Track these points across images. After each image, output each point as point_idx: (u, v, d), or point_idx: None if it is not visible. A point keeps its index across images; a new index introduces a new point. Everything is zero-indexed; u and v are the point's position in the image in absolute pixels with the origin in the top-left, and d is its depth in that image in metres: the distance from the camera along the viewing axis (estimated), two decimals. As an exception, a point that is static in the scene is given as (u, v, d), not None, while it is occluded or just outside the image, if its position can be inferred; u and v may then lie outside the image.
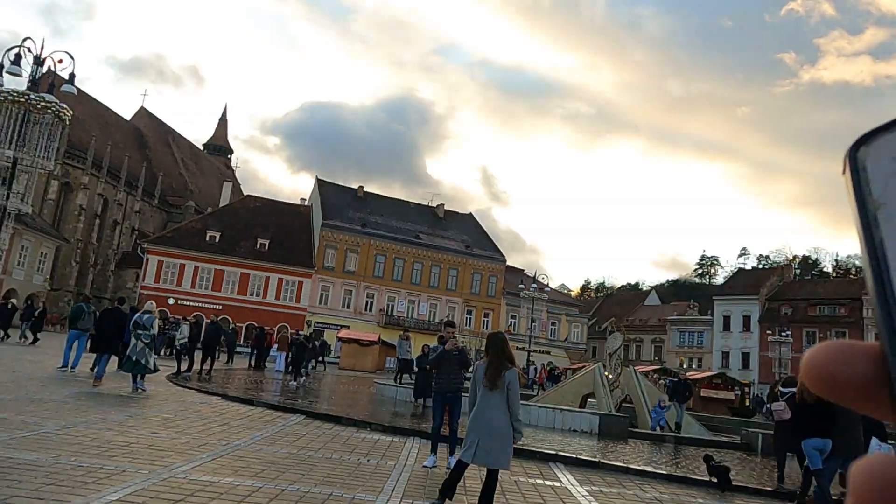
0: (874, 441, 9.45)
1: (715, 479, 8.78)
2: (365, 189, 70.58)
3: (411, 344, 21.66)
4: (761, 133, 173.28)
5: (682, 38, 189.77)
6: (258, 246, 59.14)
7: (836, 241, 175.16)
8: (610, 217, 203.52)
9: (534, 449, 9.70)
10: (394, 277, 64.26)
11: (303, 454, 8.11)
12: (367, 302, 62.82)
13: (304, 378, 21.06)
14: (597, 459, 9.62)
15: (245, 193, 78.22)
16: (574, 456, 9.66)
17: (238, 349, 36.30)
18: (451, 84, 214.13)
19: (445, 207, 74.93)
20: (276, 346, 28.26)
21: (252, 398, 13.39)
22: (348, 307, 61.85)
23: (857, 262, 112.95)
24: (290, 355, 21.27)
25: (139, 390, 12.37)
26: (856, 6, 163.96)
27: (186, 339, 17.34)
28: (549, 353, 66.71)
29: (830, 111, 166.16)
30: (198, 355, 18.44)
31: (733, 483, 9.07)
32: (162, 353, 23.59)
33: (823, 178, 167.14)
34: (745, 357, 69.02)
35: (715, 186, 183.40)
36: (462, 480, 6.22)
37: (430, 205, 74.58)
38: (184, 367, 17.46)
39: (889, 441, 9.76)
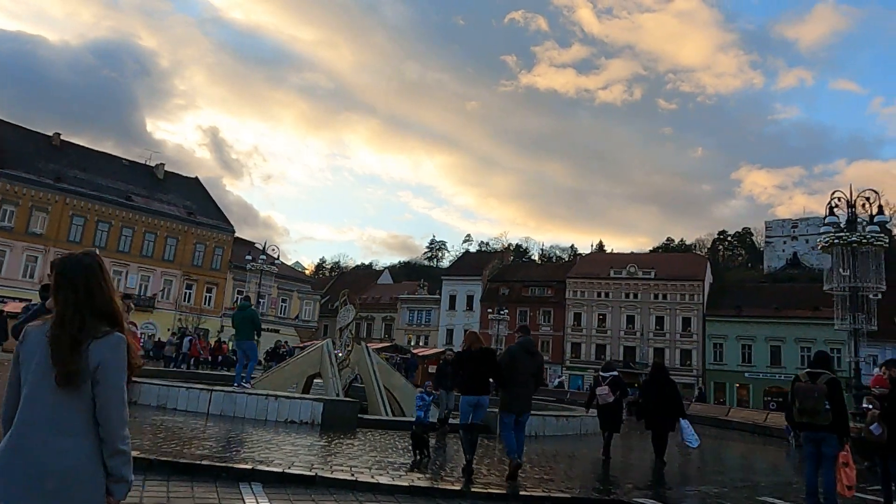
0: (683, 422, 9.47)
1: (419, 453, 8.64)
2: (63, 138, 58.88)
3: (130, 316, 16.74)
4: (484, 128, 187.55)
5: (419, 29, 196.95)
6: None
7: (541, 232, 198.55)
8: (349, 197, 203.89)
9: (219, 463, 6.45)
10: (96, 243, 54.44)
11: None
12: (58, 272, 52.41)
13: None
14: (312, 473, 6.66)
15: None
16: (280, 471, 6.59)
17: None
18: (178, 36, 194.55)
19: (166, 168, 66.14)
20: None
21: None
22: (32, 277, 50.83)
23: (557, 252, 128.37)
24: None
25: None
26: (564, 24, 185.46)
27: None
28: (278, 330, 63.22)
29: (541, 115, 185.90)
30: None
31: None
32: None
33: (531, 176, 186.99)
34: (468, 334, 72.79)
35: (442, 174, 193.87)
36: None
37: (147, 163, 65.18)
38: None
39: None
